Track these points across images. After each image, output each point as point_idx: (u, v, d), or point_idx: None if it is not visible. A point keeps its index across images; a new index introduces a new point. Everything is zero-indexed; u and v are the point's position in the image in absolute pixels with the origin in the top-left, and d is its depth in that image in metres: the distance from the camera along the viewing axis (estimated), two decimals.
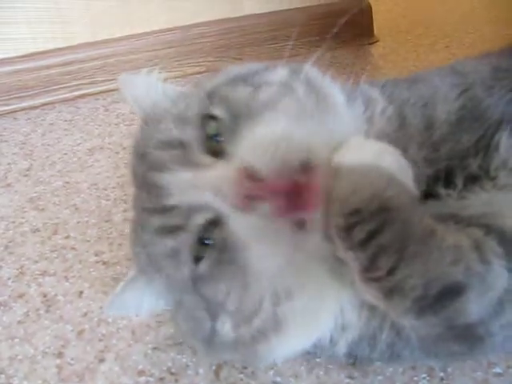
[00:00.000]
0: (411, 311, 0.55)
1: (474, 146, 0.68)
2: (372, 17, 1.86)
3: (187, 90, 0.76)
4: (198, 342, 0.71)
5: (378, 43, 1.85)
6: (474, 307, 0.55)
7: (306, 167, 0.58)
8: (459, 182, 0.67)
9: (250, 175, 0.57)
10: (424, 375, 0.73)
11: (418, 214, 0.57)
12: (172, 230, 0.64)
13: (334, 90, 0.71)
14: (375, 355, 0.70)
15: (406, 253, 0.54)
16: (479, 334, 0.58)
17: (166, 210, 0.63)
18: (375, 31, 1.88)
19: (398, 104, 0.72)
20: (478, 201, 0.66)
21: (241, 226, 0.60)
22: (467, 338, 0.59)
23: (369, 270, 0.55)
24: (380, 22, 1.90)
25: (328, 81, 0.72)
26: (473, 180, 0.67)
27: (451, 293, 0.54)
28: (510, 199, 0.65)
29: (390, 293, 0.55)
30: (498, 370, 0.73)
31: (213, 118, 0.64)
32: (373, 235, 0.54)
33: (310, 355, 0.76)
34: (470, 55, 1.00)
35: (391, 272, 0.54)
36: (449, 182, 0.67)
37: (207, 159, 0.63)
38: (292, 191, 0.57)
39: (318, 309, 0.66)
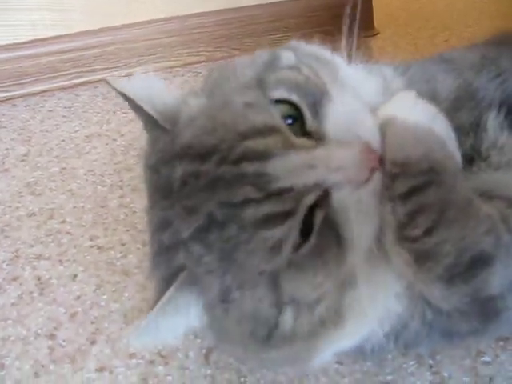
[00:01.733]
0: (442, 279, 0.55)
1: (469, 126, 0.69)
2: (372, 9, 1.86)
3: (212, 84, 0.69)
4: (254, 343, 0.63)
5: (377, 36, 1.85)
6: (498, 279, 0.56)
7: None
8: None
9: (370, 148, 0.57)
10: (413, 362, 0.73)
11: (461, 182, 0.58)
12: (280, 218, 0.57)
13: (327, 51, 0.71)
14: (399, 345, 0.69)
15: (445, 216, 0.54)
16: (497, 307, 0.58)
17: (272, 196, 0.57)
18: (375, 24, 1.88)
19: (407, 79, 0.73)
20: (479, 179, 0.66)
21: (350, 201, 0.57)
22: (486, 312, 0.59)
23: (405, 228, 0.55)
24: (380, 14, 1.90)
25: (317, 46, 0.72)
26: (468, 161, 0.68)
27: (480, 262, 0.55)
28: (505, 175, 0.66)
29: (422, 257, 0.55)
30: (486, 358, 0.73)
31: (280, 101, 0.61)
32: (416, 191, 0.55)
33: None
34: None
35: (428, 233, 0.54)
36: None
37: (304, 141, 0.60)
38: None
39: (376, 300, 0.64)
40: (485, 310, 0.59)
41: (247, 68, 0.67)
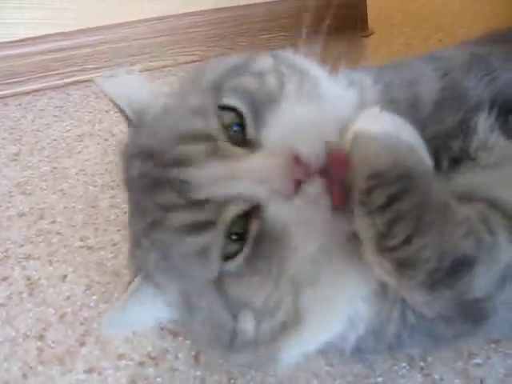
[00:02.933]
0: (424, 285, 0.55)
1: (456, 128, 0.69)
2: (366, 9, 1.86)
3: (181, 85, 0.73)
4: (218, 347, 0.67)
5: (371, 36, 1.85)
6: (482, 281, 0.56)
7: (332, 148, 0.58)
8: (444, 162, 0.68)
9: (297, 160, 0.56)
10: (404, 364, 0.73)
11: (436, 186, 0.57)
12: (201, 226, 0.59)
13: (313, 66, 0.71)
14: (380, 347, 0.70)
15: (422, 222, 0.54)
16: (485, 309, 0.58)
17: (194, 204, 0.59)
18: (369, 24, 1.88)
19: (383, 84, 0.73)
20: (464, 180, 0.66)
21: (283, 212, 0.58)
22: (474, 315, 0.59)
23: (385, 238, 0.55)
24: (374, 14, 1.90)
25: (306, 60, 0.72)
26: (456, 161, 0.68)
27: (462, 266, 0.55)
28: (496, 176, 0.66)
29: (403, 265, 0.55)
30: (478, 360, 0.73)
31: (227, 108, 0.63)
32: (392, 200, 0.55)
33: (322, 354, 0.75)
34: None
35: (407, 241, 0.54)
36: (434, 162, 0.68)
37: (236, 150, 0.61)
38: (328, 172, 0.57)
39: (337, 302, 0.65)
40: (472, 314, 0.59)
41: (213, 70, 0.69)
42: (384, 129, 0.58)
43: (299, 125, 0.60)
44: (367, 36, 1.84)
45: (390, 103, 0.69)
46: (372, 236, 0.57)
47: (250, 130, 0.62)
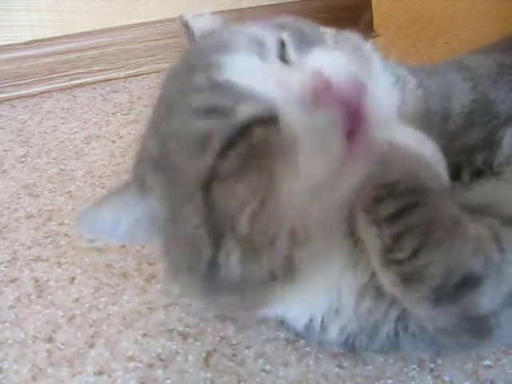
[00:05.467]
0: (428, 300, 0.55)
1: (482, 142, 0.68)
2: (372, 11, 1.85)
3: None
4: (194, 277, 0.62)
5: (377, 38, 1.84)
6: (488, 298, 0.56)
7: (362, 101, 0.56)
8: (466, 176, 0.68)
9: (324, 78, 0.56)
10: (414, 366, 0.73)
11: (448, 202, 0.57)
12: (215, 111, 0.57)
13: (371, 49, 0.72)
14: (374, 346, 0.70)
15: (430, 238, 0.54)
16: (490, 325, 0.58)
17: (218, 87, 0.58)
18: (375, 26, 1.88)
19: (423, 89, 0.73)
20: (483, 192, 0.66)
21: (296, 123, 0.55)
22: (478, 330, 0.59)
23: (391, 251, 0.55)
24: (380, 16, 1.90)
25: (368, 44, 0.73)
26: (478, 174, 0.68)
27: (469, 283, 0.55)
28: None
29: (409, 279, 0.55)
30: (487, 362, 0.73)
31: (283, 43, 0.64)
32: (401, 213, 0.55)
33: (300, 339, 0.76)
34: (468, 51, 1.00)
35: (414, 256, 0.54)
36: (456, 175, 0.67)
37: (276, 60, 0.62)
38: (352, 109, 0.55)
39: (323, 273, 0.64)
40: (477, 329, 0.59)
41: (280, 18, 0.73)
42: (404, 141, 0.59)
43: (339, 64, 0.60)
44: (372, 38, 1.84)
45: (426, 114, 0.70)
46: (378, 247, 0.57)
47: (291, 53, 0.62)
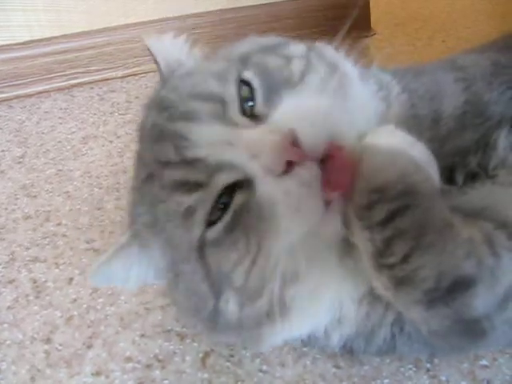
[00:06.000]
0: (421, 303, 0.55)
1: (475, 144, 0.68)
2: (369, 9, 1.85)
3: (217, 52, 0.75)
4: (199, 321, 0.68)
5: (374, 36, 1.84)
6: (481, 301, 0.55)
7: (339, 145, 0.58)
8: (459, 178, 0.68)
9: (294, 141, 0.56)
10: (410, 366, 0.73)
11: (440, 205, 0.57)
12: (192, 186, 0.60)
13: (347, 64, 0.71)
14: (371, 349, 0.70)
15: (422, 241, 0.54)
16: (484, 328, 0.58)
17: (188, 163, 0.60)
18: (372, 24, 1.88)
19: (409, 93, 0.72)
20: (478, 195, 0.66)
21: (271, 190, 0.58)
22: (472, 332, 0.59)
23: (383, 255, 0.56)
24: (378, 14, 1.90)
25: (341, 55, 0.72)
26: (472, 177, 0.68)
27: (461, 286, 0.54)
28: (509, 196, 0.65)
29: (401, 282, 0.55)
30: (484, 362, 0.73)
31: (246, 82, 0.63)
32: (392, 217, 0.55)
33: (301, 344, 0.76)
34: (464, 50, 1.00)
35: (405, 260, 0.54)
36: (449, 178, 0.67)
37: (244, 120, 0.61)
38: (328, 165, 0.57)
39: (321, 296, 0.66)
40: (470, 332, 0.58)
41: (244, 45, 0.71)
42: (394, 145, 0.58)
43: (308, 113, 0.60)
44: (370, 36, 1.84)
45: (412, 118, 0.70)
46: (370, 251, 0.57)
47: (259, 105, 0.62)
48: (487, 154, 0.68)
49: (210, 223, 0.60)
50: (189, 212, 0.60)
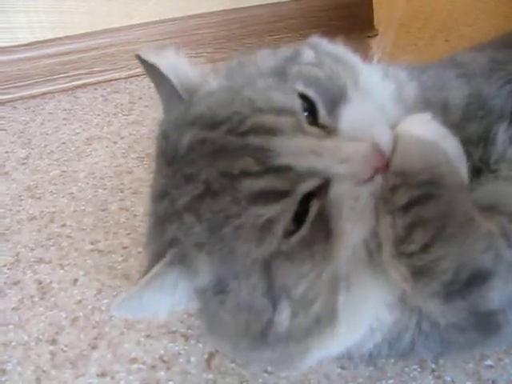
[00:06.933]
0: (439, 295, 0.55)
1: (477, 137, 0.68)
2: (372, 9, 1.85)
3: (229, 70, 0.70)
4: (247, 338, 0.64)
5: (377, 36, 1.84)
6: (497, 294, 0.55)
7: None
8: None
9: (379, 149, 0.57)
10: (415, 366, 0.73)
11: (464, 198, 0.58)
12: (274, 196, 0.58)
13: (346, 51, 0.72)
14: (394, 353, 0.70)
15: (443, 232, 0.55)
16: (498, 321, 0.58)
17: (274, 170, 0.58)
18: (375, 24, 1.87)
19: (420, 85, 0.73)
20: (486, 190, 0.66)
21: (347, 194, 0.58)
22: (487, 326, 0.59)
23: (403, 242, 0.56)
24: (380, 14, 1.89)
25: (339, 46, 0.73)
26: (477, 172, 0.68)
27: (478, 279, 0.55)
28: None
29: (419, 272, 0.55)
30: (489, 362, 0.73)
31: (302, 95, 0.62)
32: (415, 203, 0.55)
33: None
34: (464, 49, 1.00)
35: (425, 249, 0.55)
36: None
37: (314, 130, 0.61)
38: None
39: (366, 306, 0.65)
40: (485, 324, 0.58)
41: (268, 58, 0.69)
42: (427, 134, 0.59)
43: (369, 116, 0.61)
44: (373, 36, 1.84)
45: (425, 103, 0.70)
46: (390, 237, 0.57)
47: (323, 116, 0.62)
48: (487, 148, 0.68)
49: (286, 234, 0.58)
50: (268, 224, 0.58)
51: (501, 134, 0.68)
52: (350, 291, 0.61)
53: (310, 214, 0.59)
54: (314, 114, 0.62)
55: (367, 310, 0.65)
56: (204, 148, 0.60)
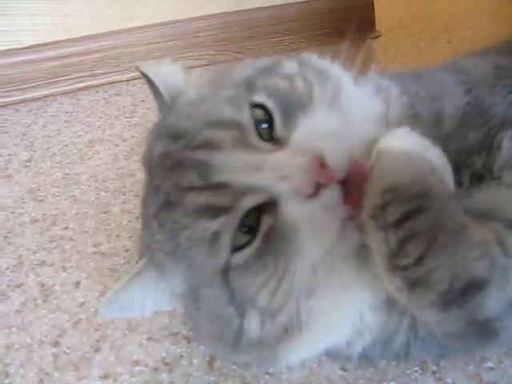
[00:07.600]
0: (435, 305, 0.55)
1: (479, 144, 0.68)
2: (374, 11, 1.86)
3: (211, 79, 0.75)
4: (222, 343, 0.67)
5: (379, 38, 1.84)
6: (493, 302, 0.55)
7: (361, 162, 0.60)
8: (465, 180, 0.68)
9: (322, 162, 0.57)
10: (416, 368, 0.73)
11: (454, 207, 0.57)
12: (217, 211, 0.60)
13: (336, 67, 0.72)
14: (387, 355, 0.71)
15: (435, 243, 0.54)
16: (495, 328, 0.58)
17: (214, 187, 0.60)
18: (377, 26, 1.88)
19: (409, 95, 0.73)
20: (485, 196, 0.66)
21: (297, 212, 0.59)
22: (485, 333, 0.59)
23: (396, 256, 0.56)
24: (382, 16, 1.90)
25: (328, 61, 0.73)
26: (478, 179, 0.68)
27: (474, 287, 0.54)
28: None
29: (415, 284, 0.55)
30: (490, 364, 0.73)
31: (257, 106, 0.64)
32: (407, 217, 0.55)
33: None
34: (470, 50, 1.00)
35: (419, 261, 0.54)
36: (456, 180, 0.67)
37: (263, 144, 0.62)
38: (349, 183, 0.59)
39: (340, 312, 0.66)
40: (483, 332, 0.58)
41: (245, 68, 0.71)
42: (409, 147, 0.59)
43: (328, 132, 0.61)
44: (375, 38, 1.84)
45: (413, 118, 0.70)
46: (384, 252, 0.57)
47: (278, 128, 0.63)
48: (491, 155, 0.68)
49: (237, 248, 0.60)
50: (214, 237, 0.60)
51: (506, 141, 0.68)
52: (316, 299, 0.62)
53: (261, 228, 0.60)
54: (273, 125, 0.63)
55: (342, 314, 0.66)
56: (166, 161, 0.64)
